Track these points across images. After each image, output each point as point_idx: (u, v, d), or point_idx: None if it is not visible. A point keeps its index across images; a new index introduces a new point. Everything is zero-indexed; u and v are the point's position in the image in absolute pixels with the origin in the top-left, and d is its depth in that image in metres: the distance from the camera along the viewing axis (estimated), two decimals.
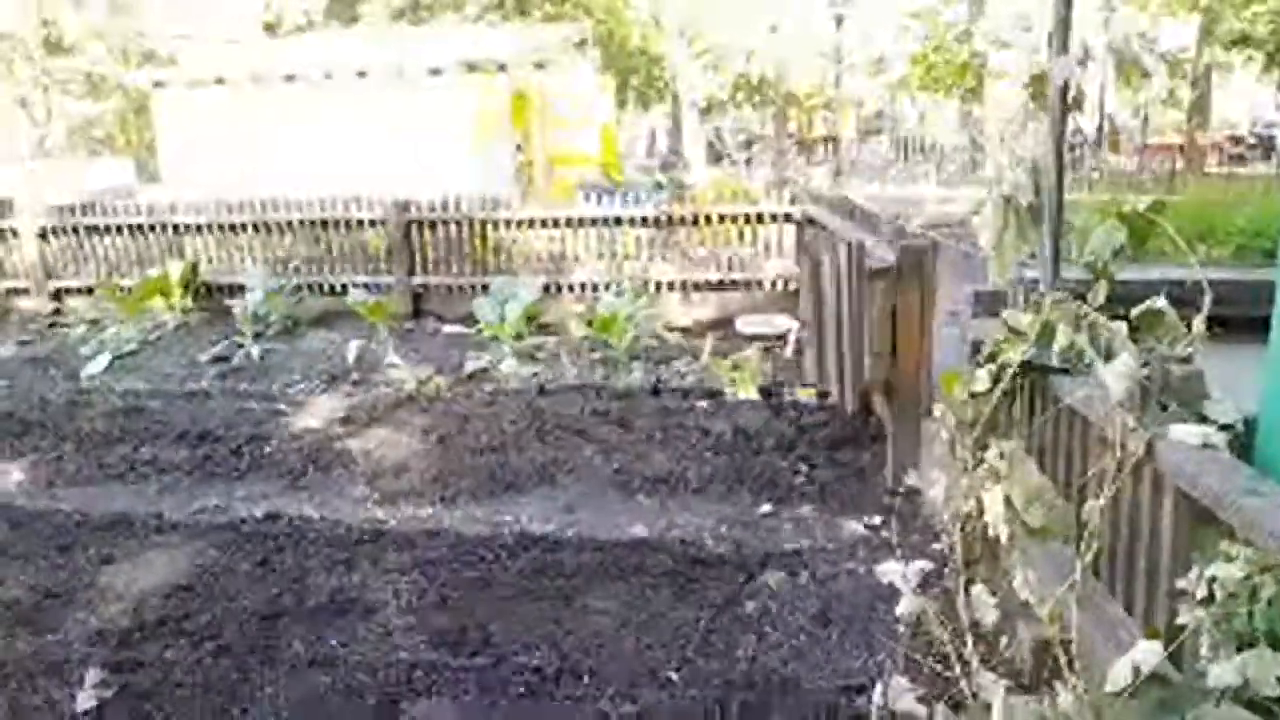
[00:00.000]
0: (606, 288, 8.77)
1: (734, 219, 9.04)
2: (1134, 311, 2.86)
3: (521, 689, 3.39)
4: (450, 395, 6.64)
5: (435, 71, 15.58)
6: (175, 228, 9.59)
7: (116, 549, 4.61)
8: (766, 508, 4.96)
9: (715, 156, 28.51)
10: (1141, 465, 2.46)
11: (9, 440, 6.20)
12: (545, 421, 6.04)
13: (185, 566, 4.38)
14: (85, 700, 3.40)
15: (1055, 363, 2.92)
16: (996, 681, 2.30)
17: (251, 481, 5.57)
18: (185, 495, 5.39)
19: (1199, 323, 2.69)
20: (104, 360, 7.82)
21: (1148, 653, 2.15)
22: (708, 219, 9.04)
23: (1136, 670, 2.14)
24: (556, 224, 9.14)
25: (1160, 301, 2.86)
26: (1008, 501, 2.56)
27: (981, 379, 2.99)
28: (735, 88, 32.97)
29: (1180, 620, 2.14)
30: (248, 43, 22.79)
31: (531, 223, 9.16)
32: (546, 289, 8.83)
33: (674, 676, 3.43)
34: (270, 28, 27.43)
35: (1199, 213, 9.00)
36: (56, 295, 9.82)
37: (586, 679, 3.43)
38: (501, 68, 15.66)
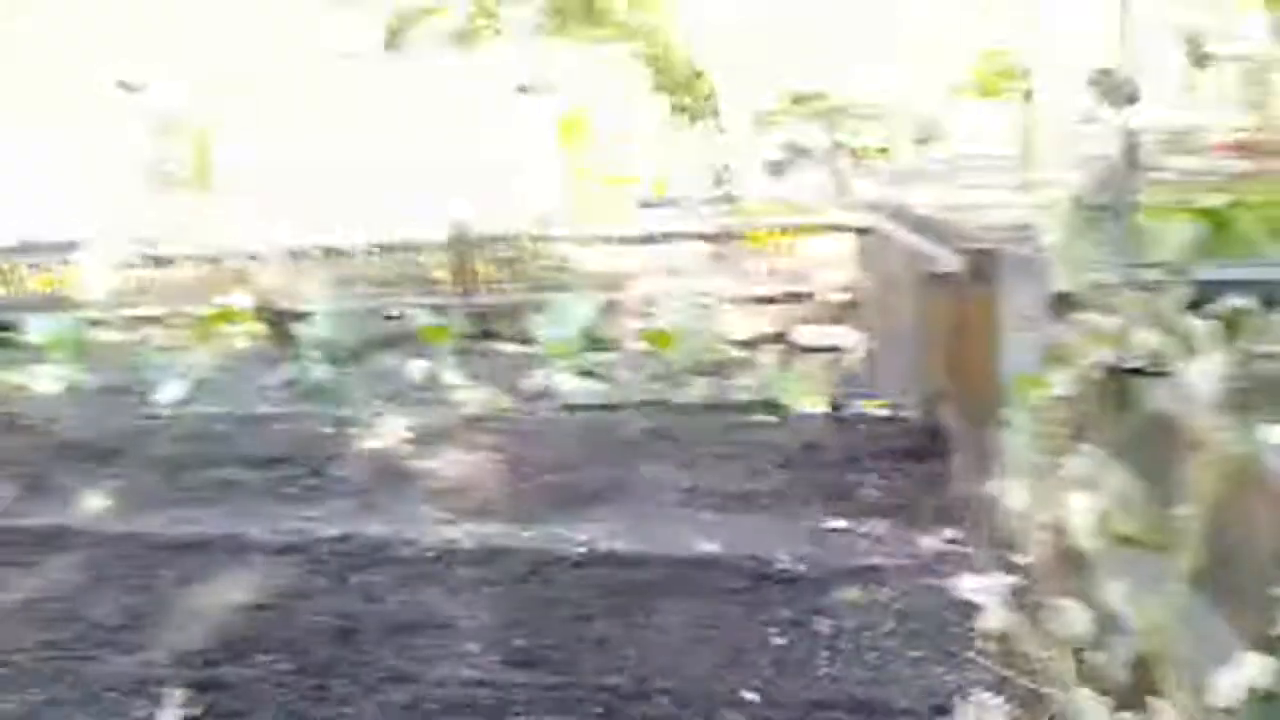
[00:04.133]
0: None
1: (789, 230, 8.99)
2: (1215, 310, 2.77)
3: (597, 709, 3.37)
4: (513, 414, 6.68)
5: (487, 95, 15.78)
6: (244, 256, 9.83)
7: (195, 570, 4.70)
8: (837, 523, 4.88)
9: (771, 170, 28.39)
10: (1235, 468, 2.37)
11: (89, 466, 6.38)
12: (608, 438, 6.04)
13: (262, 586, 4.45)
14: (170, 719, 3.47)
15: (1138, 364, 2.84)
16: (1097, 699, 2.22)
17: (323, 502, 5.65)
18: (260, 517, 5.49)
19: None
20: (178, 386, 8.02)
21: (1254, 666, 2.07)
22: (763, 231, 9.00)
23: (1243, 685, 2.05)
24: (612, 240, 9.18)
25: (1244, 299, 2.77)
26: (1095, 510, 2.48)
27: (1060, 383, 2.91)
28: (786, 100, 32.86)
29: None
30: (306, 73, 23.33)
31: (587, 240, 9.21)
32: (604, 306, 8.85)
33: (751, 697, 3.38)
34: (326, 58, 28.05)
35: (1271, 212, 8.73)
36: (131, 324, 10.11)
37: (662, 699, 3.40)
38: (552, 89, 15.82)
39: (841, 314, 8.73)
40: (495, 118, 15.44)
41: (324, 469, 6.01)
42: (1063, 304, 3.77)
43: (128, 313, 10.07)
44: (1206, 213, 2.91)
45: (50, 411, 7.60)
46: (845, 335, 8.19)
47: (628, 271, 9.14)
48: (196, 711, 3.50)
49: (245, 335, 9.39)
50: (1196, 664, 2.42)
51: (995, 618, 2.76)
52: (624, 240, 9.13)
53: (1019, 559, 3.74)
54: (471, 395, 7.11)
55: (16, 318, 9.95)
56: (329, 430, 6.59)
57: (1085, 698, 2.24)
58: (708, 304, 8.74)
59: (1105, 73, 3.30)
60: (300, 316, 9.43)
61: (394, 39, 28.87)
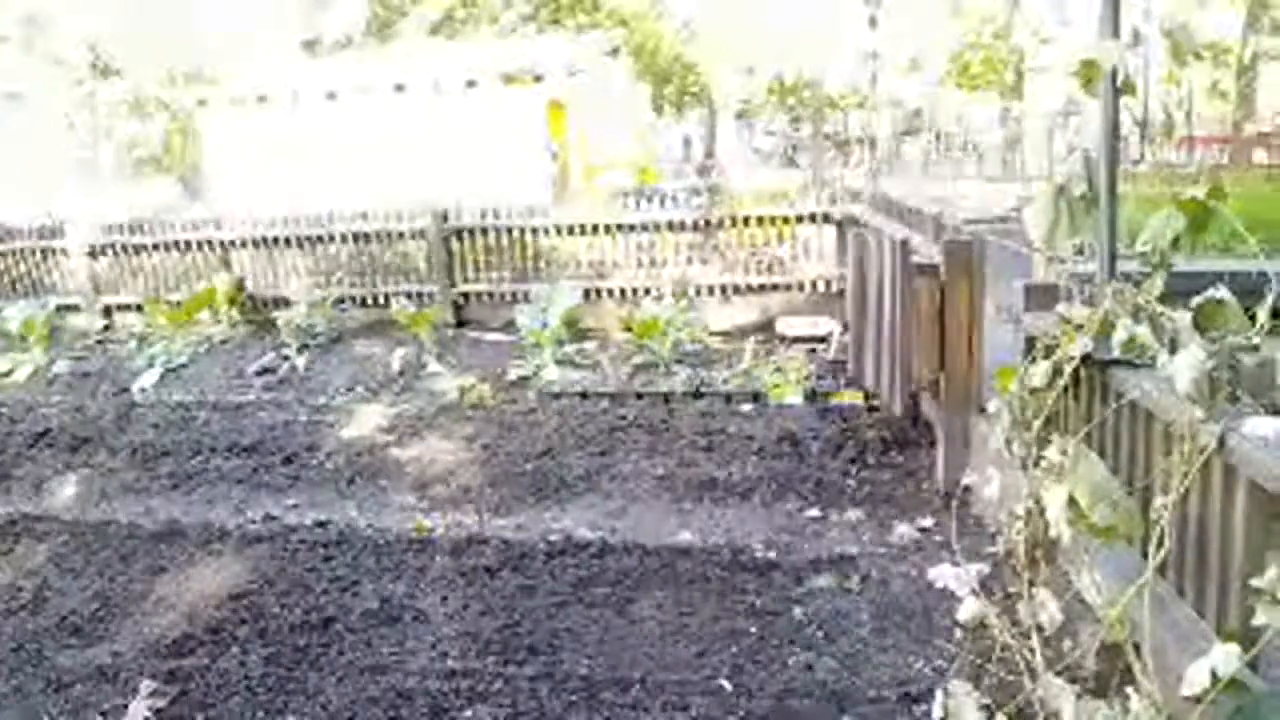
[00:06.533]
0: (646, 292, 8.74)
1: (772, 221, 8.96)
2: (1193, 302, 2.77)
3: (571, 697, 3.36)
4: (494, 403, 6.65)
5: (472, 84, 15.71)
6: (221, 243, 9.72)
7: (169, 559, 4.66)
8: (815, 512, 4.88)
9: (756, 159, 28.39)
10: (1212, 459, 2.37)
11: (63, 454, 6.31)
12: (588, 428, 6.02)
13: (236, 575, 4.41)
14: (139, 709, 3.43)
15: (1117, 355, 2.83)
16: (1066, 687, 2.22)
17: (300, 491, 5.61)
18: (235, 505, 5.45)
19: (1264, 312, 2.60)
20: (154, 374, 7.94)
21: (1224, 656, 2.07)
22: (746, 221, 8.98)
23: (1213, 675, 2.05)
24: (595, 230, 9.14)
25: (1222, 291, 2.77)
26: (1071, 500, 2.47)
27: (1038, 374, 2.90)
28: (769, 91, 32.89)
29: (1257, 622, 2.05)
30: (288, 62, 23.17)
31: (570, 229, 9.16)
32: (586, 295, 8.82)
33: (726, 685, 3.37)
34: (310, 46, 27.87)
35: (1249, 205, 8.78)
36: (107, 311, 10.00)
37: (637, 688, 3.38)
38: (537, 78, 15.76)
39: (824, 304, 8.73)
40: (484, 105, 15.33)
41: (300, 457, 5.96)
42: (1043, 295, 3.77)
43: (106, 299, 9.96)
44: (1186, 204, 2.90)
45: (25, 398, 7.51)
46: (827, 325, 8.20)
47: (612, 260, 9.10)
48: (163, 702, 3.47)
49: (224, 322, 9.30)
50: (1166, 653, 2.43)
51: (970, 606, 2.77)
52: (608, 229, 9.08)
53: (994, 548, 3.75)
54: (452, 384, 7.06)
55: None
56: (306, 418, 6.54)
57: (1056, 685, 2.24)
58: (690, 293, 8.71)
59: (1089, 64, 3.27)
60: (280, 303, 9.35)
61: (379, 26, 28.67)
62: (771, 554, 4.34)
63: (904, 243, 5.18)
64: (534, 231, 9.18)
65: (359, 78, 16.75)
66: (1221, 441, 2.30)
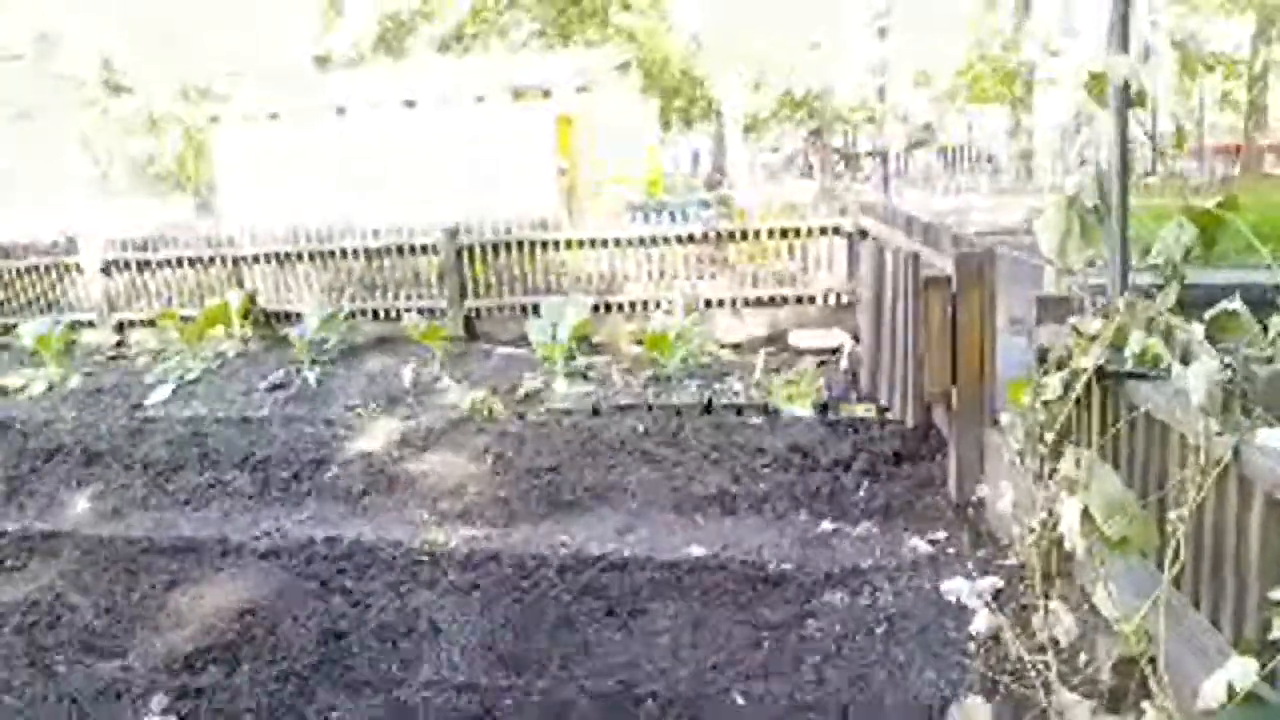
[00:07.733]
0: (657, 306, 8.75)
1: (783, 233, 8.97)
2: (1207, 314, 2.76)
3: (585, 711, 3.35)
4: (505, 416, 6.65)
5: (481, 99, 15.80)
6: (234, 259, 9.78)
7: (182, 574, 4.67)
8: (827, 525, 4.87)
9: (766, 172, 28.42)
10: (1227, 471, 2.36)
11: (77, 469, 6.34)
12: (600, 441, 6.01)
13: (249, 590, 4.42)
14: None
15: (1130, 367, 2.82)
16: (1081, 701, 2.20)
17: (312, 505, 5.62)
18: (248, 520, 5.46)
19: (1278, 323, 2.59)
20: (167, 389, 7.98)
21: (1241, 669, 2.05)
22: (756, 234, 8.98)
23: (1230, 688, 2.04)
24: (605, 244, 9.15)
25: (1235, 303, 2.76)
26: (1085, 512, 2.46)
27: (1052, 386, 2.90)
28: (779, 105, 32.93)
29: (1274, 634, 2.04)
30: (300, 77, 23.34)
31: (580, 243, 9.18)
32: (597, 309, 8.82)
33: (739, 699, 3.36)
34: (321, 62, 28.06)
35: (1262, 215, 8.74)
36: (120, 327, 10.06)
37: (650, 701, 3.37)
38: (546, 93, 15.83)
39: (835, 316, 8.72)
40: (493, 120, 15.40)
41: (312, 472, 5.98)
42: (1055, 307, 3.77)
43: (120, 315, 10.02)
44: (1198, 215, 2.90)
45: (39, 414, 7.55)
46: (838, 337, 8.18)
47: (622, 274, 9.12)
48: (175, 718, 3.47)
49: (236, 337, 9.35)
50: (1182, 666, 2.41)
51: (983, 619, 2.76)
52: (618, 243, 9.10)
53: (1008, 561, 3.73)
54: (463, 397, 7.07)
55: (9, 320, 9.92)
56: (318, 432, 6.55)
57: (1070, 699, 2.23)
58: (701, 306, 8.71)
59: (1098, 76, 3.28)
60: (292, 318, 9.39)
61: (390, 42, 28.87)
62: (783, 567, 4.33)
63: (915, 255, 5.18)
64: (544, 246, 9.20)
65: (369, 93, 16.86)
66: (1236, 453, 2.29)
